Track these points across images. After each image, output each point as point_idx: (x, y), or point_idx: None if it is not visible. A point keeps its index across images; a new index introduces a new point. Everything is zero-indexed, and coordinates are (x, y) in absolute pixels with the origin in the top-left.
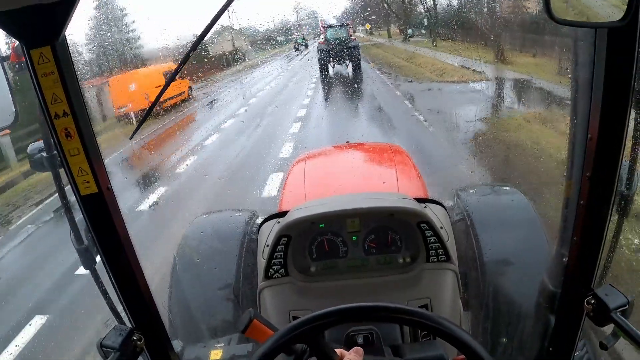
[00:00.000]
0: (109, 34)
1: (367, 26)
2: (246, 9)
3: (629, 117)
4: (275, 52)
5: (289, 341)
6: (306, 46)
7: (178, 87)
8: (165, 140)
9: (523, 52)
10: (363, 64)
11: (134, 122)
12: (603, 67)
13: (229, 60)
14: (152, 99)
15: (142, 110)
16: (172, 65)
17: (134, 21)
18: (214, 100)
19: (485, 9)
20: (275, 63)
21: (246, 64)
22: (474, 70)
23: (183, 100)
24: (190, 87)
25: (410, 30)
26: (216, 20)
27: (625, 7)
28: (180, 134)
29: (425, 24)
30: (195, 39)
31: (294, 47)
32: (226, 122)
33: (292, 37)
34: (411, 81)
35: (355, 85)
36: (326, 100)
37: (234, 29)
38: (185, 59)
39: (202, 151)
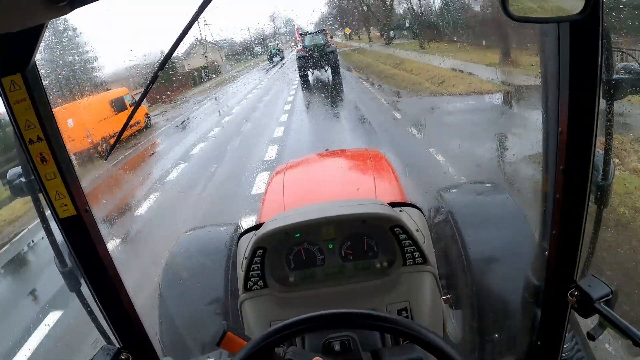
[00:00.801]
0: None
1: (347, 30)
2: (221, 20)
3: (598, 108)
4: (251, 64)
5: (262, 350)
6: (281, 57)
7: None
8: (99, 193)
9: (526, 50)
10: (346, 74)
11: (76, 165)
12: (568, 61)
13: (201, 77)
14: (96, 136)
15: (82, 152)
16: (118, 92)
17: (86, 43)
18: (179, 126)
19: (477, 5)
20: (250, 77)
21: (217, 80)
22: (481, 79)
23: (138, 131)
24: (147, 114)
25: (392, 33)
26: (183, 37)
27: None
28: (116, 186)
29: (407, 24)
30: (162, 58)
31: (268, 59)
32: (177, 168)
33: (268, 47)
34: (402, 95)
35: (341, 107)
36: (304, 125)
37: (207, 42)
38: (153, 79)
39: (135, 219)
